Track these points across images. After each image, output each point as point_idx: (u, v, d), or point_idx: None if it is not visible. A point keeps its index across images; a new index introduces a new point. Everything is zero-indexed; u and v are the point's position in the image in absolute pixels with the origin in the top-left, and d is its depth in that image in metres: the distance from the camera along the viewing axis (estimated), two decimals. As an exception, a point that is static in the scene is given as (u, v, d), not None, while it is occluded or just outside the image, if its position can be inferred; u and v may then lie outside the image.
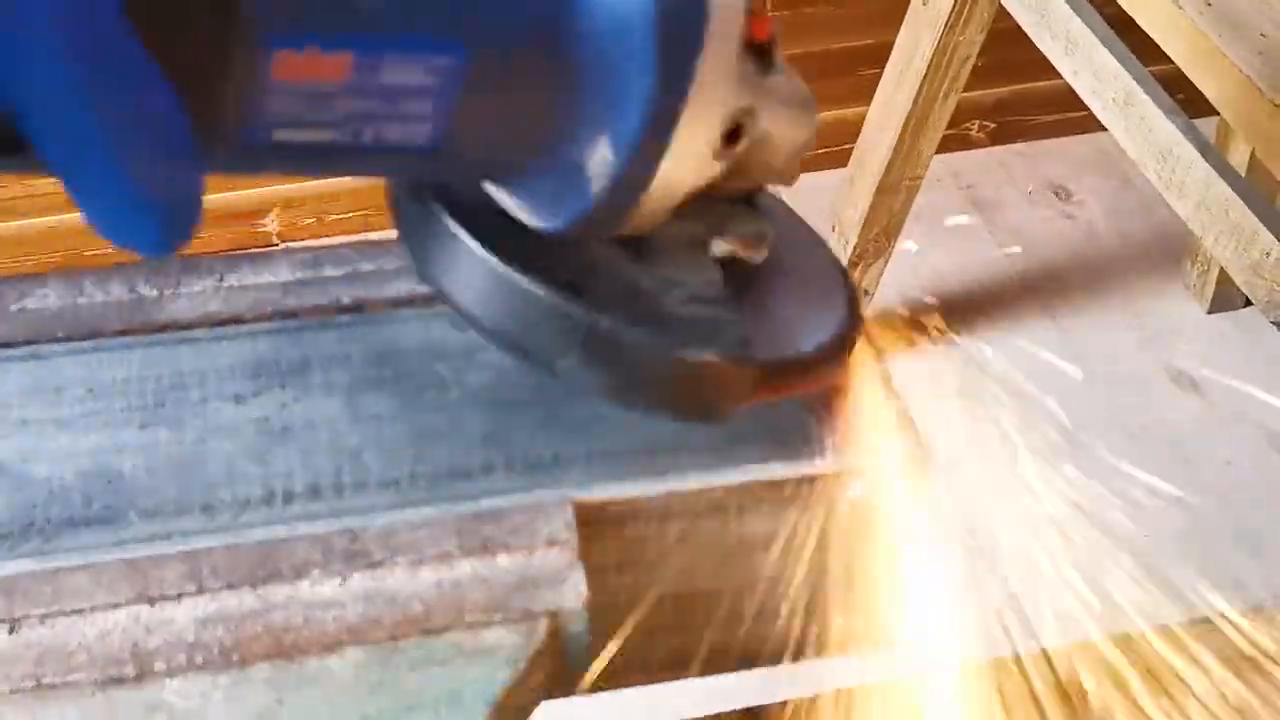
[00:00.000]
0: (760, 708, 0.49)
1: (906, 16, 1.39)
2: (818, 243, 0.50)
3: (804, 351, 0.44)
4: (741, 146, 0.41)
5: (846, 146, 1.47)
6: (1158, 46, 1.15)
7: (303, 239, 1.72)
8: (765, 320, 0.45)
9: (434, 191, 0.42)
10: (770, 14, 0.42)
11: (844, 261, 1.42)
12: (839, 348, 0.45)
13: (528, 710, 0.44)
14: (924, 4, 1.37)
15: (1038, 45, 1.27)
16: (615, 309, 0.41)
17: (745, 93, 0.40)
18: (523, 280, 0.40)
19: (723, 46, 0.38)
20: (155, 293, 0.50)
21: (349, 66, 0.35)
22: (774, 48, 0.42)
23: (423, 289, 0.51)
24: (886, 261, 1.48)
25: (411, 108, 0.36)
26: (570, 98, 0.38)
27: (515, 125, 0.39)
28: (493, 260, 0.40)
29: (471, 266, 0.41)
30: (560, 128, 0.39)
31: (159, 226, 0.32)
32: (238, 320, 0.50)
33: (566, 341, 0.40)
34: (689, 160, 0.40)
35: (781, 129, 0.43)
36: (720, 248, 0.44)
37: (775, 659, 0.50)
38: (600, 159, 0.39)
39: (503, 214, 0.41)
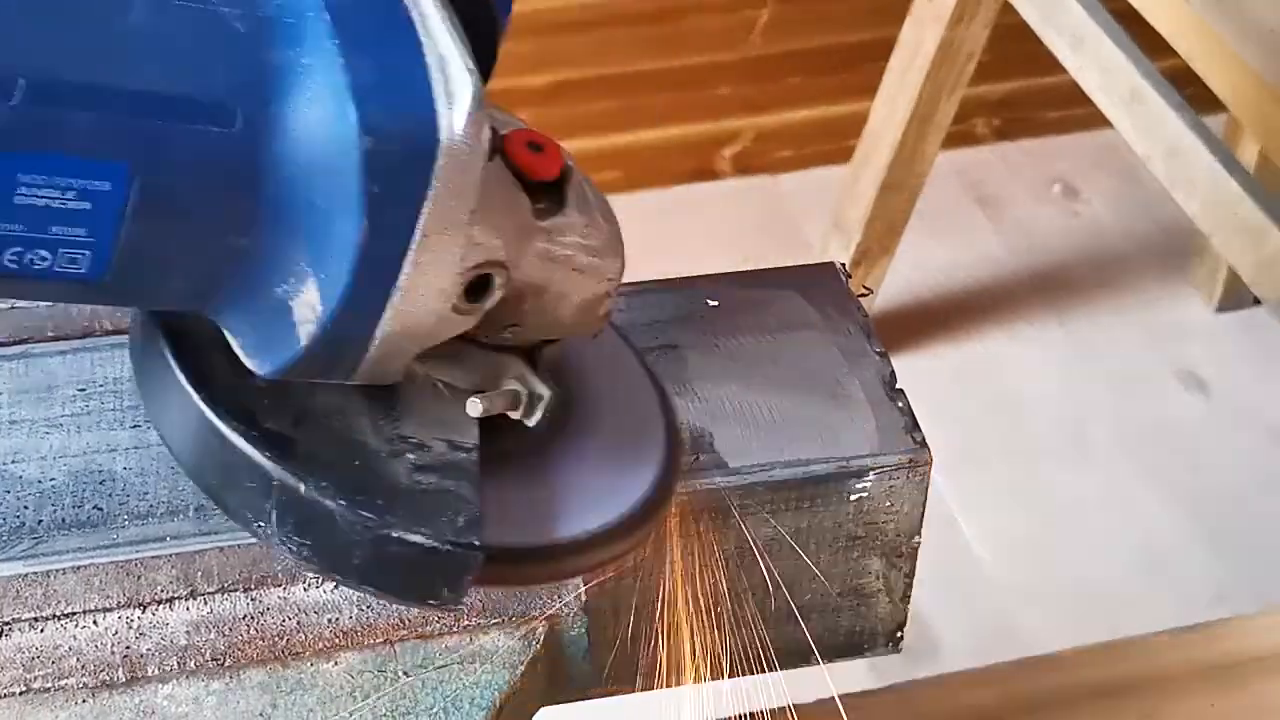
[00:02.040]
0: (759, 712, 0.49)
1: (911, 11, 1.38)
2: (650, 394, 0.44)
3: (557, 538, 0.39)
4: (491, 301, 0.36)
5: (850, 143, 1.46)
6: (1165, 42, 1.14)
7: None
8: (535, 492, 0.40)
9: (163, 317, 0.38)
10: (558, 148, 0.38)
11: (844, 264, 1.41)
12: (614, 533, 0.40)
13: (526, 715, 0.43)
14: None
15: (1043, 40, 1.26)
16: (324, 471, 0.36)
17: (499, 241, 0.36)
18: (221, 425, 0.36)
19: (455, 195, 0.34)
20: (149, 291, 0.50)
21: None
22: (565, 185, 0.38)
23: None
24: (891, 259, 1.48)
25: (64, 233, 0.32)
26: (269, 236, 0.34)
27: (202, 260, 0.35)
28: (195, 397, 0.37)
29: (178, 402, 0.37)
30: (259, 266, 0.35)
31: None
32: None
33: (263, 502, 0.36)
34: (421, 313, 0.35)
35: (560, 279, 0.38)
36: (477, 408, 0.39)
37: (776, 662, 0.49)
38: (308, 304, 0.35)
39: (229, 348, 0.37)
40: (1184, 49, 1.12)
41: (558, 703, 0.45)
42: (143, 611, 0.41)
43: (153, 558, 0.42)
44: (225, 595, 0.41)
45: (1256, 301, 1.63)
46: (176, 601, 0.41)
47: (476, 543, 0.37)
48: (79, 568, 0.42)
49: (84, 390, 0.47)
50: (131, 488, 0.44)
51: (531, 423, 0.40)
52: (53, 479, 0.44)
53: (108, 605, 0.41)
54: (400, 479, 0.38)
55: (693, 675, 0.48)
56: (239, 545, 0.42)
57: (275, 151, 0.34)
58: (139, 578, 0.42)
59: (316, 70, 0.33)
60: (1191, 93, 1.16)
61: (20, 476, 0.44)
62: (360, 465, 0.38)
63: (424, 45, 0.34)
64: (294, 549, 0.36)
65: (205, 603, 0.41)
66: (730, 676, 0.49)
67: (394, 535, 0.36)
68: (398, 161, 0.34)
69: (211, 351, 0.37)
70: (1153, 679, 0.51)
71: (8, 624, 0.41)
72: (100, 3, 0.33)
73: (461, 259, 0.35)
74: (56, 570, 0.42)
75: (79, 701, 0.40)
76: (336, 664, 0.41)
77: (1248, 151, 1.46)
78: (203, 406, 0.37)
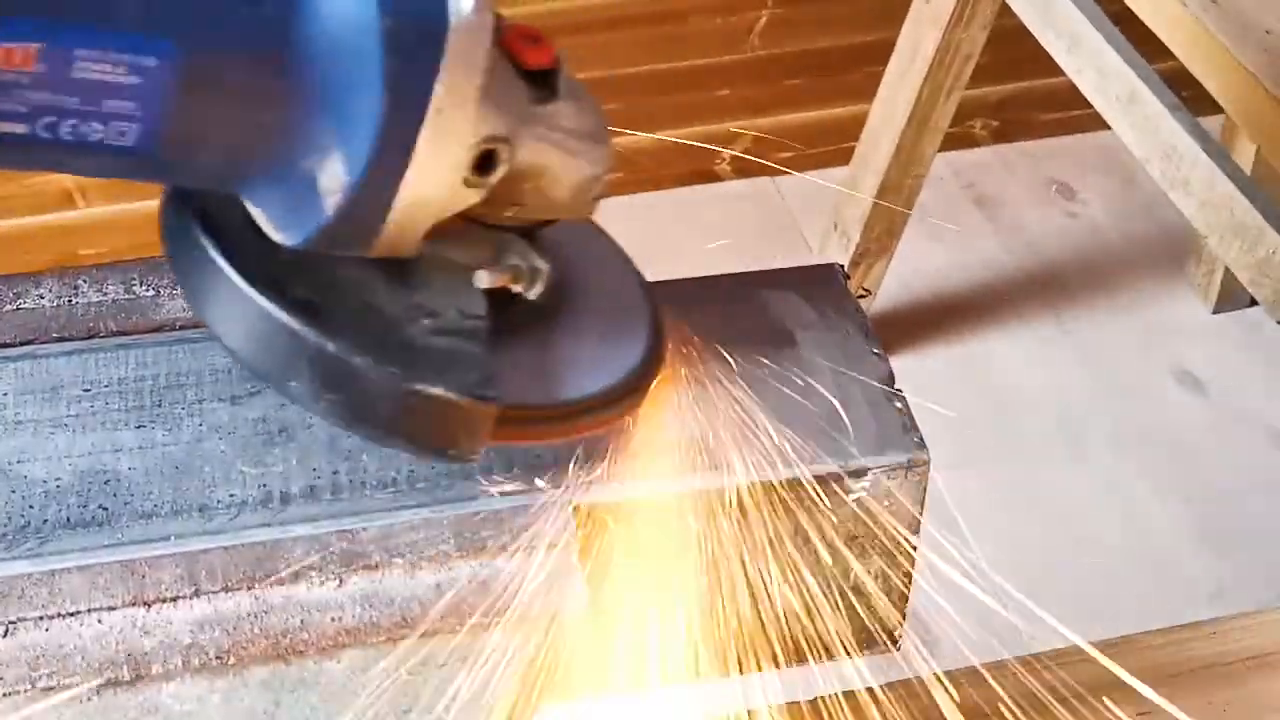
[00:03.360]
0: (759, 710, 0.49)
1: (909, 13, 1.38)
2: (632, 279, 0.48)
3: (561, 399, 0.43)
4: (497, 175, 0.40)
5: (849, 145, 1.46)
6: (1162, 43, 1.14)
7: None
8: (539, 359, 0.43)
9: (193, 196, 0.41)
10: (550, 42, 0.41)
11: (845, 262, 1.42)
12: (613, 397, 0.44)
13: (527, 714, 0.43)
14: (926, 1, 1.36)
15: (1041, 43, 1.26)
16: (351, 332, 0.40)
17: (502, 120, 0.39)
18: (254, 294, 0.39)
19: (464, 70, 0.37)
20: (151, 293, 0.50)
21: (37, 57, 0.33)
22: (556, 76, 0.41)
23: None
24: (889, 260, 1.48)
25: (114, 106, 0.35)
26: (298, 111, 0.37)
27: (237, 134, 0.38)
28: (229, 270, 0.39)
29: (210, 276, 0.40)
30: (289, 140, 0.38)
31: None
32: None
33: (296, 363, 0.39)
34: (435, 185, 0.39)
35: (556, 161, 0.41)
36: (484, 280, 0.42)
37: (776, 662, 0.49)
38: (333, 175, 0.38)
39: (255, 226, 0.40)
40: (1181, 51, 1.12)
41: (559, 702, 0.45)
42: (147, 610, 0.41)
43: (157, 557, 0.42)
44: (229, 594, 0.42)
45: (1253, 302, 1.64)
46: (180, 600, 0.42)
47: (492, 395, 0.40)
48: (84, 567, 0.42)
49: (89, 390, 0.47)
50: (136, 487, 0.44)
51: (532, 295, 0.43)
52: (58, 479, 0.44)
53: (112, 604, 0.41)
54: (418, 340, 0.41)
55: (693, 675, 0.49)
56: (242, 544, 0.43)
57: (303, 31, 0.36)
58: (143, 577, 0.42)
59: None
60: (1188, 95, 1.16)
61: (26, 476, 0.44)
62: (381, 328, 0.41)
63: None
64: (325, 404, 0.39)
65: (209, 601, 0.42)
66: (730, 675, 0.49)
67: (416, 388, 0.39)
68: (413, 38, 0.36)
69: (241, 231, 0.40)
70: (1153, 679, 0.51)
71: (13, 623, 0.41)
72: None
73: (471, 132, 0.38)
74: (62, 569, 0.42)
75: (84, 699, 0.40)
76: (339, 662, 0.41)
77: (1244, 153, 1.47)
78: (238, 279, 0.39)
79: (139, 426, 0.46)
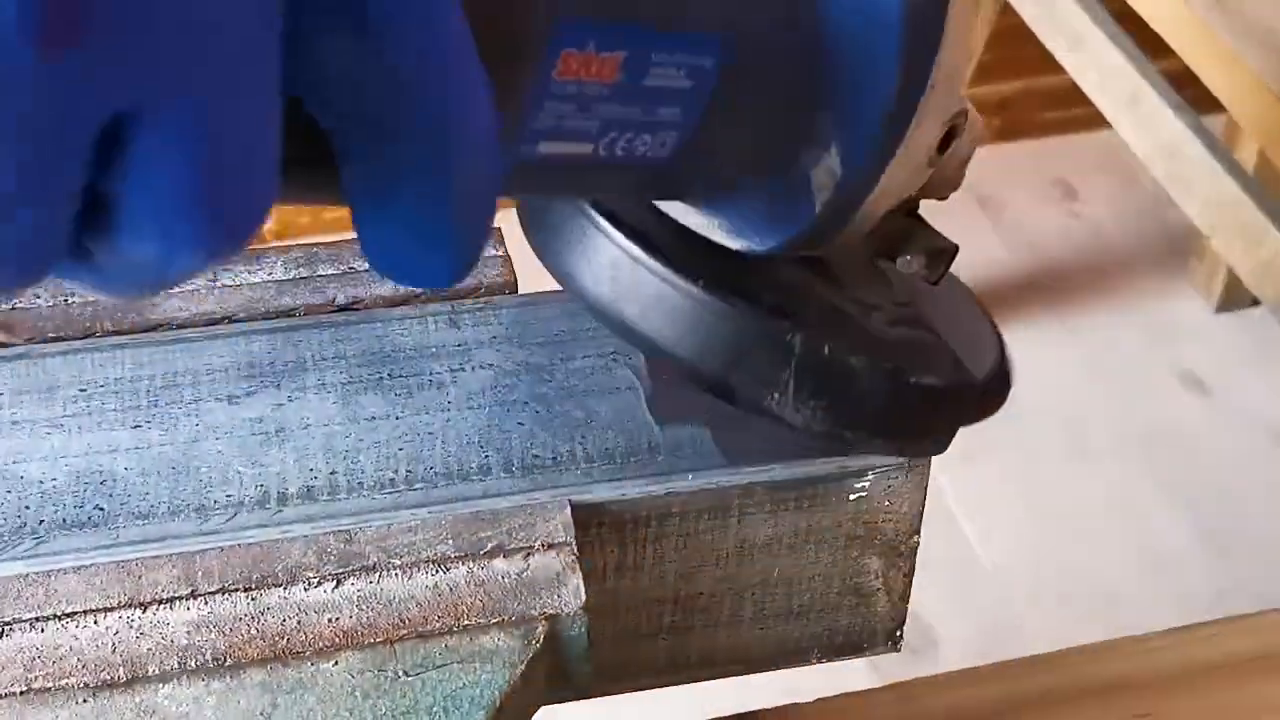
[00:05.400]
0: (758, 712, 0.49)
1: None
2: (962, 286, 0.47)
3: (1000, 370, 0.42)
4: (950, 151, 0.38)
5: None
6: (1164, 42, 1.14)
7: (297, 237, 1.72)
8: (950, 336, 0.42)
9: (595, 208, 0.38)
10: None
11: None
12: (1009, 361, 0.43)
13: (526, 715, 0.43)
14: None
15: (1043, 42, 1.26)
16: (828, 334, 0.38)
17: (961, 92, 0.38)
18: (727, 306, 0.37)
19: (957, 44, 0.36)
20: (149, 292, 0.50)
21: (619, 67, 0.31)
22: None
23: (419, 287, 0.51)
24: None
25: (664, 115, 0.33)
26: (813, 102, 0.36)
27: (752, 136, 0.36)
28: (685, 284, 0.37)
29: (660, 292, 0.37)
30: (797, 136, 0.36)
31: (460, 252, 0.27)
32: (231, 319, 0.49)
33: (780, 372, 0.37)
34: (907, 168, 0.37)
35: (972, 131, 0.40)
36: (907, 265, 0.40)
37: (774, 663, 0.49)
38: (827, 170, 0.36)
39: (678, 233, 0.38)
40: (1183, 50, 1.12)
41: (558, 703, 0.45)
42: (143, 611, 0.41)
43: (154, 558, 0.42)
44: (226, 595, 0.41)
45: (1255, 302, 1.63)
46: (177, 601, 0.41)
47: (975, 380, 0.40)
48: (80, 568, 0.42)
49: (85, 390, 0.47)
50: (133, 488, 0.44)
51: (935, 278, 0.41)
52: (54, 479, 0.44)
53: (108, 605, 0.41)
54: (884, 334, 0.40)
55: (692, 675, 0.48)
56: (240, 545, 0.43)
57: (823, 15, 0.35)
58: (140, 577, 0.42)
59: None
60: (1191, 94, 1.16)
61: (21, 476, 0.44)
62: (848, 327, 0.39)
63: None
64: (809, 412, 0.38)
65: (206, 602, 0.41)
66: (729, 676, 0.49)
67: (911, 381, 0.39)
68: (924, 16, 0.35)
69: (680, 245, 0.38)
70: (1152, 679, 0.51)
71: (8, 624, 0.41)
72: None
73: (947, 108, 0.37)
74: (57, 570, 0.42)
75: (79, 701, 0.40)
76: (337, 664, 0.41)
77: (1247, 152, 1.47)
78: (707, 296, 0.37)
79: (135, 426, 0.46)
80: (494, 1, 0.27)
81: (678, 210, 0.39)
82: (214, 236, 0.24)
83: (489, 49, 0.26)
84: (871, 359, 0.38)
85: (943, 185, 0.40)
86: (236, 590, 0.42)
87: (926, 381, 0.39)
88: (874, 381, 0.38)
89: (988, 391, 0.42)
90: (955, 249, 0.41)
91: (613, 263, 0.38)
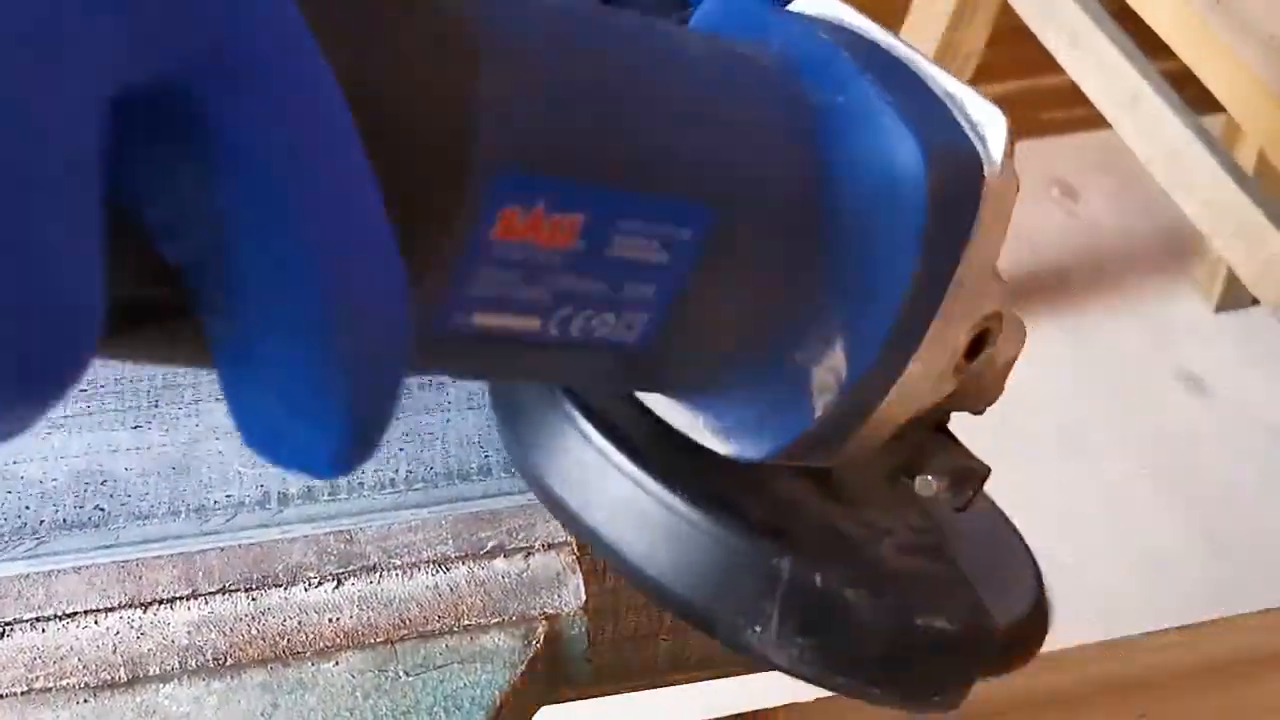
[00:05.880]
0: (758, 711, 0.49)
1: (910, 12, 1.38)
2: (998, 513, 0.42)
3: (1034, 614, 0.36)
4: (980, 360, 0.33)
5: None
6: (1164, 43, 1.14)
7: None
8: (970, 576, 0.36)
9: (568, 395, 0.34)
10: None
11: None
12: (1047, 608, 0.37)
13: (526, 715, 0.43)
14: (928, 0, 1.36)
15: (1043, 42, 1.26)
16: (824, 561, 0.33)
17: (1000, 291, 0.33)
18: (708, 519, 0.32)
19: (989, 235, 0.31)
20: (150, 292, 0.50)
21: (577, 231, 0.27)
22: None
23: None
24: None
25: (632, 292, 0.28)
26: (814, 290, 0.30)
27: (739, 323, 0.31)
28: (660, 490, 0.32)
29: (631, 497, 0.33)
30: (794, 330, 0.31)
31: (352, 433, 0.21)
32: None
33: (763, 602, 0.32)
34: (928, 375, 0.32)
35: (1009, 339, 0.34)
36: (928, 487, 0.35)
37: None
38: (830, 369, 0.31)
39: (658, 432, 0.33)
40: (1183, 50, 1.12)
41: (558, 703, 0.45)
42: (144, 611, 0.41)
43: (154, 558, 0.42)
44: (226, 595, 0.42)
45: (1256, 302, 1.64)
46: (177, 601, 0.41)
47: (996, 626, 0.34)
48: (80, 568, 0.42)
49: (85, 391, 0.47)
50: (133, 488, 0.44)
51: (963, 504, 0.36)
52: (54, 479, 0.44)
53: (109, 605, 0.41)
54: (892, 565, 0.34)
55: (692, 675, 0.48)
56: (240, 545, 0.43)
57: (833, 191, 0.30)
58: (140, 578, 0.42)
59: (858, 107, 0.30)
60: (1191, 94, 1.16)
61: (22, 477, 0.44)
62: (850, 553, 0.34)
63: (929, 81, 0.32)
64: (795, 650, 0.33)
65: (206, 603, 0.41)
66: (730, 676, 0.49)
67: (918, 622, 0.33)
68: (954, 198, 0.30)
69: (658, 444, 0.33)
70: (1152, 679, 0.51)
71: (9, 624, 0.41)
72: (670, 42, 0.30)
73: (978, 308, 0.32)
74: (58, 570, 0.42)
75: (80, 701, 0.40)
76: (337, 664, 0.41)
77: (1247, 152, 1.47)
78: (687, 509, 0.32)
79: (135, 427, 0.46)
80: (416, 142, 0.23)
81: (659, 404, 0.34)
82: (17, 398, 0.19)
83: (408, 197, 0.23)
84: (873, 593, 0.33)
85: (978, 397, 0.35)
86: (237, 590, 0.42)
87: (936, 624, 0.33)
88: (873, 620, 0.33)
89: (1014, 640, 0.36)
90: (987, 472, 0.36)
91: (580, 461, 0.34)
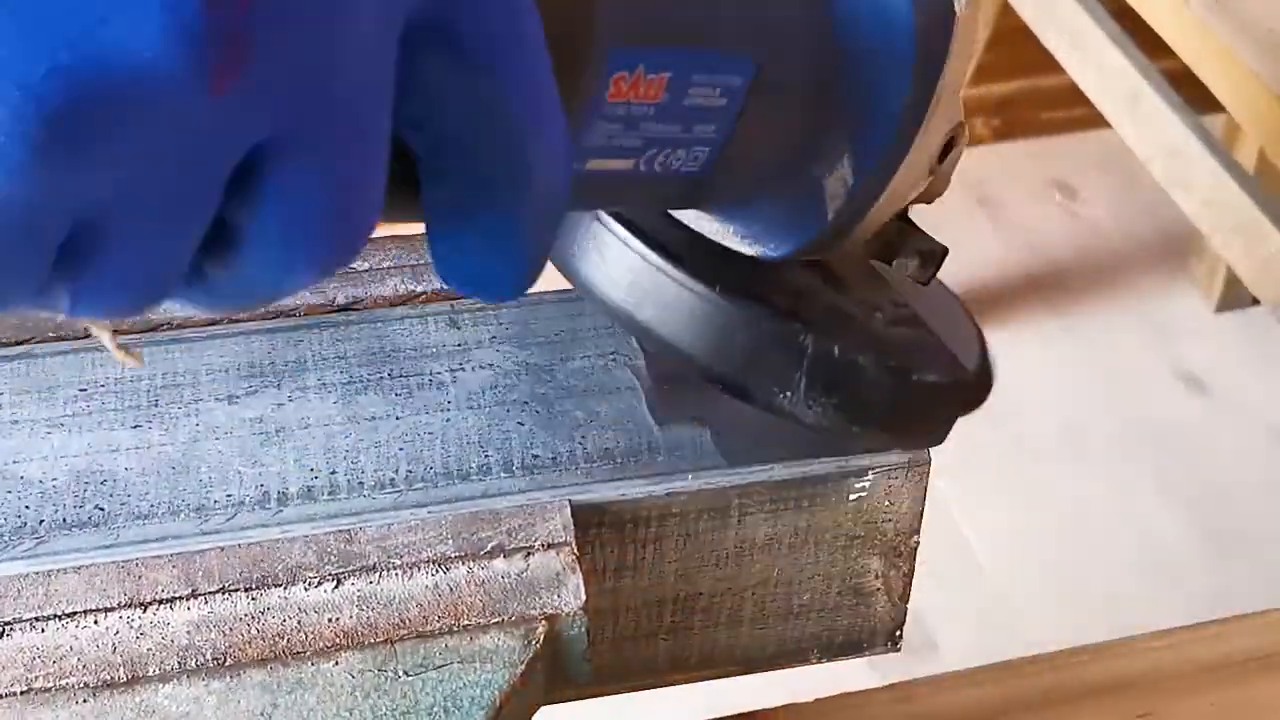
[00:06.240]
0: (758, 711, 0.49)
1: (911, 13, 1.38)
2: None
3: (985, 365, 0.44)
4: (948, 160, 0.41)
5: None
6: (1164, 42, 1.14)
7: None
8: (939, 334, 0.44)
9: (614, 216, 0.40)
10: None
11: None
12: (993, 363, 0.45)
13: (526, 715, 0.43)
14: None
15: (1043, 42, 1.26)
16: (836, 335, 0.40)
17: (960, 106, 0.40)
18: (742, 309, 0.39)
19: (960, 60, 0.38)
20: (149, 292, 0.50)
21: (664, 87, 0.33)
22: None
23: (419, 287, 0.51)
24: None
25: (700, 131, 0.36)
26: (824, 117, 0.38)
27: (774, 149, 0.38)
28: (703, 289, 0.39)
29: (678, 297, 0.39)
30: (814, 149, 0.38)
31: (528, 265, 0.29)
32: (231, 319, 0.49)
33: (792, 372, 0.39)
34: (911, 176, 0.39)
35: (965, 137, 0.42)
36: (904, 267, 0.43)
37: (774, 663, 0.49)
38: (839, 179, 0.38)
39: (693, 240, 0.40)
40: (1183, 50, 1.12)
41: (557, 703, 0.45)
42: (143, 611, 0.41)
43: (154, 558, 0.42)
44: (226, 595, 0.41)
45: (1255, 301, 1.63)
46: (177, 601, 0.41)
47: (970, 375, 0.43)
48: (80, 568, 0.42)
49: (85, 390, 0.47)
50: (133, 488, 0.44)
51: (927, 278, 0.43)
52: (54, 479, 0.44)
53: (108, 605, 0.41)
54: (887, 334, 0.42)
55: (692, 675, 0.48)
56: (240, 545, 0.43)
57: (840, 34, 0.37)
58: (140, 578, 0.42)
59: None
60: (1191, 94, 1.16)
61: (22, 476, 0.44)
62: (852, 327, 0.41)
63: None
64: (819, 409, 0.40)
65: (206, 602, 0.41)
66: (730, 676, 0.49)
67: (915, 378, 0.41)
68: (934, 32, 0.38)
69: (693, 250, 0.40)
70: (1153, 679, 0.51)
71: (9, 624, 0.41)
72: None
73: (950, 118, 0.39)
74: (57, 570, 0.42)
75: (80, 701, 0.40)
76: (337, 664, 0.41)
77: (1247, 152, 1.47)
78: (724, 300, 0.39)
79: (135, 426, 0.46)
80: (557, 30, 0.28)
81: (690, 217, 0.41)
82: (337, 254, 0.25)
83: (555, 73, 0.28)
84: (878, 358, 0.40)
85: (934, 190, 0.43)
86: (236, 590, 0.42)
87: (929, 378, 0.41)
88: (881, 379, 0.40)
89: (979, 384, 0.44)
90: (945, 250, 0.43)
91: (630, 268, 0.40)
